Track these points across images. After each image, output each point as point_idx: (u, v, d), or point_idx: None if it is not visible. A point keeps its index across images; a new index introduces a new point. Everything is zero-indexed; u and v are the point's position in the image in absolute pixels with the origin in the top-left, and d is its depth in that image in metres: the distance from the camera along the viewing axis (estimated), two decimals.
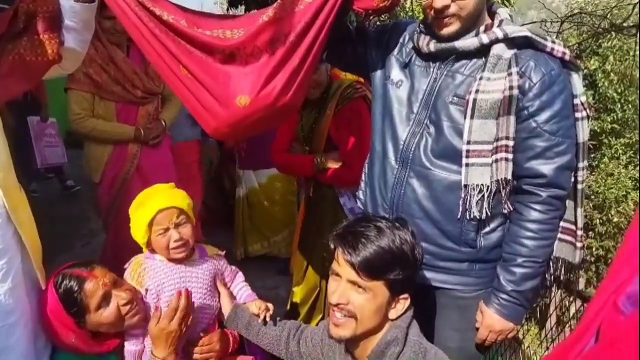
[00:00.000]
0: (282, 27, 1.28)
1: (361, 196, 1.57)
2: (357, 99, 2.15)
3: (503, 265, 1.32)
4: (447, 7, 1.23)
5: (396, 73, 1.42)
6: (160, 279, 1.46)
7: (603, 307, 0.60)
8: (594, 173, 7.34)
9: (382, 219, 1.20)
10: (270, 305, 1.53)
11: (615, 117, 7.70)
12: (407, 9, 5.56)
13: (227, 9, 6.47)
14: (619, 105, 7.69)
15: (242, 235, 3.45)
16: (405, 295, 1.17)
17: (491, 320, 1.33)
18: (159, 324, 1.36)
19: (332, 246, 1.19)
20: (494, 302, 1.32)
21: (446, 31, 1.27)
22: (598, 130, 7.65)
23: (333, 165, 2.17)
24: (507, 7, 7.02)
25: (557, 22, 5.85)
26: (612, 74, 7.55)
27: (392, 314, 1.17)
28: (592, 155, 7.81)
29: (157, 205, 1.43)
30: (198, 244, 1.58)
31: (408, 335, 1.17)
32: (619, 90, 7.60)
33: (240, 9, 6.06)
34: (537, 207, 1.27)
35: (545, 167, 1.25)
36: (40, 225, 1.42)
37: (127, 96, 2.31)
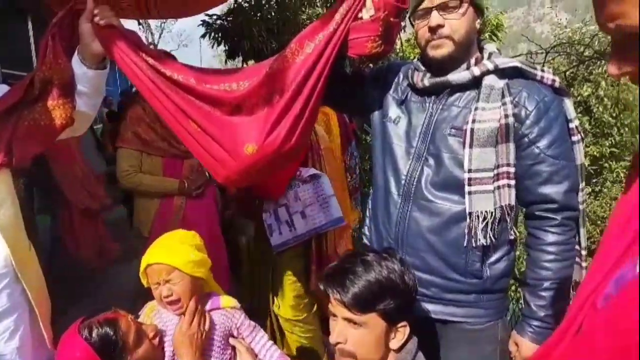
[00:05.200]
0: (284, 77, 1.35)
1: (366, 232, 1.60)
2: None
3: (530, 291, 1.33)
4: (441, 26, 1.29)
5: (393, 111, 1.47)
6: (170, 328, 1.45)
7: (582, 307, 0.63)
8: (598, 198, 7.34)
9: (369, 252, 1.22)
10: None
11: (613, 141, 7.77)
12: (398, 50, 5.75)
13: (225, 61, 6.73)
14: (616, 129, 7.78)
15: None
16: (404, 324, 1.17)
17: (529, 351, 1.31)
18: (180, 328, 1.37)
19: (322, 288, 1.21)
20: (529, 331, 1.32)
21: (439, 52, 1.32)
22: (598, 155, 7.71)
23: None
24: (496, 41, 7.25)
25: (542, 53, 6.04)
26: (605, 99, 7.69)
27: (393, 344, 1.17)
28: (595, 180, 7.83)
29: (147, 259, 1.43)
30: (213, 292, 1.57)
31: None
32: (614, 115, 7.71)
33: (238, 60, 6.29)
34: (554, 229, 1.30)
35: (555, 192, 1.28)
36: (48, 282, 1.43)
37: (172, 151, 2.38)
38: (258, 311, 2.48)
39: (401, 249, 1.40)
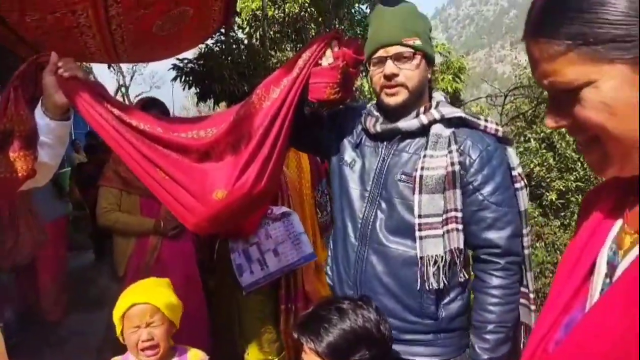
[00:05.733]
0: (251, 122, 1.37)
1: (329, 272, 1.61)
2: None
3: (476, 333, 1.35)
4: (395, 75, 1.35)
5: (349, 154, 1.51)
6: None
7: (535, 352, 0.64)
8: (567, 231, 7.52)
9: (344, 300, 1.21)
10: None
11: (577, 175, 8.06)
12: (366, 92, 5.92)
13: (197, 103, 6.79)
14: (579, 164, 8.09)
15: None
16: None
17: None
18: None
19: (295, 336, 1.19)
20: None
21: (394, 100, 1.37)
22: (564, 190, 7.96)
23: None
24: (459, 82, 7.57)
25: (501, 96, 6.33)
26: (567, 135, 8.03)
27: None
28: (563, 214, 8.05)
29: (132, 299, 1.40)
30: (180, 345, 1.52)
31: None
32: (577, 149, 8.03)
33: (210, 102, 6.34)
34: (497, 273, 1.33)
35: (498, 237, 1.33)
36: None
37: (150, 191, 2.38)
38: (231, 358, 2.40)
39: (359, 291, 1.41)
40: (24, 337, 2.45)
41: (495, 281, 1.33)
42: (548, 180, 7.86)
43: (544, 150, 8.01)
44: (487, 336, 1.32)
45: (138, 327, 1.39)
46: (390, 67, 1.34)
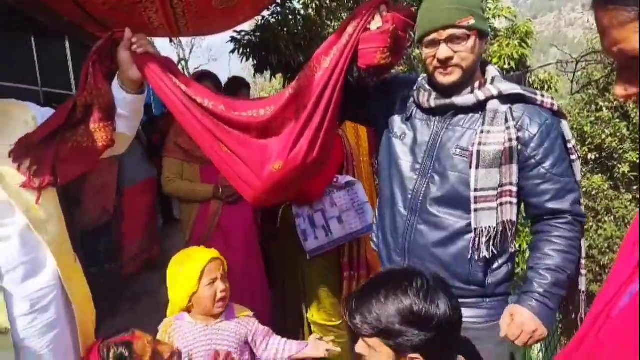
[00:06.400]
0: (304, 94, 1.41)
1: (374, 238, 1.66)
2: None
3: (533, 269, 1.38)
4: (450, 58, 1.34)
5: (398, 126, 1.52)
6: (189, 340, 1.53)
7: (599, 317, 0.67)
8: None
9: (393, 277, 1.15)
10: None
11: None
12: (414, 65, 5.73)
13: (254, 75, 6.87)
14: None
15: None
16: (416, 356, 1.10)
17: (524, 319, 1.33)
18: None
19: (346, 318, 1.19)
20: (528, 303, 1.35)
21: (447, 80, 1.38)
22: (637, 161, 7.43)
23: None
24: (526, 48, 7.15)
25: (572, 62, 5.91)
26: None
27: None
28: (635, 187, 7.55)
29: (208, 255, 1.53)
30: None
31: None
32: None
33: (266, 74, 6.41)
34: (562, 227, 1.38)
35: (563, 205, 1.38)
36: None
37: (209, 159, 2.51)
38: (290, 319, 2.52)
39: (407, 258, 1.47)
40: (103, 290, 2.68)
41: (559, 232, 1.38)
42: (620, 151, 7.37)
43: (617, 120, 7.49)
44: (546, 273, 1.36)
45: (214, 280, 1.50)
46: (444, 51, 1.34)
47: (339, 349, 1.64)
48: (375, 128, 1.64)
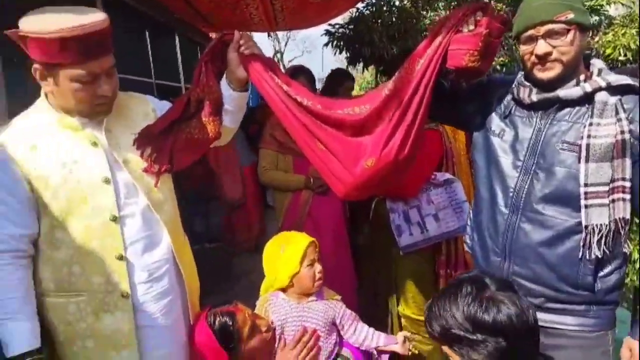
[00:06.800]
0: (399, 94, 1.45)
1: (468, 241, 1.64)
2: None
3: None
4: (549, 54, 1.31)
5: (496, 124, 1.49)
6: (282, 315, 1.66)
7: None
8: None
9: (468, 284, 1.14)
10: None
11: None
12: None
13: (347, 67, 6.96)
14: None
15: None
16: None
17: None
18: (283, 352, 1.58)
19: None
20: None
21: (547, 75, 1.34)
22: None
23: None
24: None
25: None
26: None
27: None
28: None
29: (307, 239, 1.67)
30: None
31: None
32: None
33: (359, 66, 6.45)
34: None
35: None
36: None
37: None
38: (380, 310, 2.57)
39: (508, 259, 1.43)
40: (212, 266, 2.94)
41: None
42: None
43: None
44: None
45: (313, 262, 1.64)
46: (542, 47, 1.31)
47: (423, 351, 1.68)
48: (469, 130, 1.63)
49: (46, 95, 1.41)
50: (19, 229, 1.34)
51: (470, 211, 1.65)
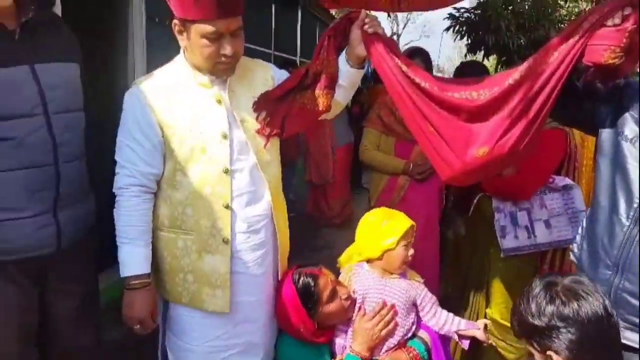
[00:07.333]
0: (526, 85, 1.37)
1: (575, 249, 1.54)
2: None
3: None
4: None
5: (630, 128, 1.36)
6: (364, 286, 1.70)
7: None
8: None
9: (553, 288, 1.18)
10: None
11: None
12: None
13: (465, 55, 6.67)
14: None
15: None
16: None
17: None
18: (362, 321, 1.62)
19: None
20: None
21: None
22: None
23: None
24: None
25: None
26: None
27: None
28: None
29: (409, 221, 1.70)
30: None
31: None
32: None
33: (479, 54, 6.16)
34: None
35: None
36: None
37: (406, 135, 2.60)
38: (465, 306, 2.51)
39: (620, 273, 1.34)
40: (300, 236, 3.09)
41: None
42: None
43: None
44: None
45: (408, 244, 1.67)
46: None
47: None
48: (596, 132, 1.49)
49: (184, 52, 1.57)
50: (148, 167, 1.52)
51: (584, 220, 1.54)
